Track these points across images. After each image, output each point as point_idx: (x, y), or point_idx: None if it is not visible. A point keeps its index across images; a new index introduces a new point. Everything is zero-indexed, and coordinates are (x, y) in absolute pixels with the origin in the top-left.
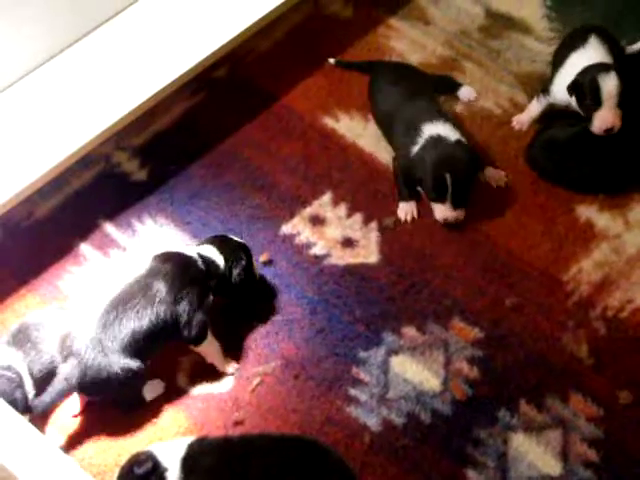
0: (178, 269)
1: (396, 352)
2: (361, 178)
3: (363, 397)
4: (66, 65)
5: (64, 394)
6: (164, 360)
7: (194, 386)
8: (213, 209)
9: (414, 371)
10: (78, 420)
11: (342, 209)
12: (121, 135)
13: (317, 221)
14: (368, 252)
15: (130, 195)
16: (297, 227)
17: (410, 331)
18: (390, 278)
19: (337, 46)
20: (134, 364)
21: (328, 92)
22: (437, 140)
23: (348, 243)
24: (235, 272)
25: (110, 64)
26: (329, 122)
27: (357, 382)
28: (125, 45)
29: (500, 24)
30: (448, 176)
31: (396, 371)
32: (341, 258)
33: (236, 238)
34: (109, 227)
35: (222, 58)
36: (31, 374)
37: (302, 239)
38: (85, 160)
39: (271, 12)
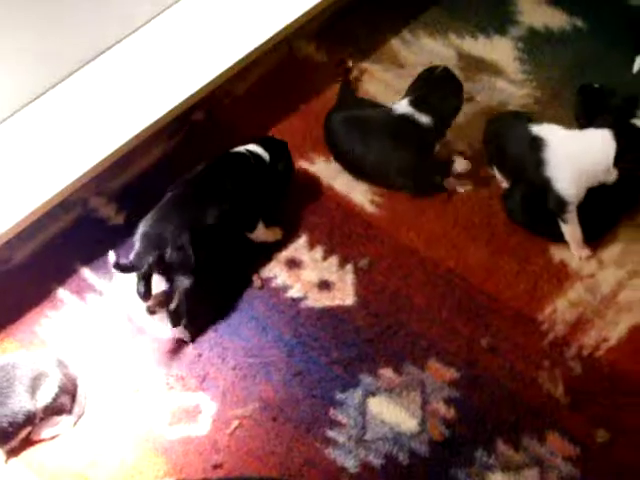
0: (237, 165)
1: (373, 393)
2: (336, 221)
3: (341, 439)
4: (43, 110)
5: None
6: (141, 403)
7: (172, 430)
8: None
9: (391, 412)
10: (54, 461)
11: (318, 252)
12: (99, 179)
13: (293, 264)
14: (344, 294)
15: (107, 239)
16: (274, 270)
17: (387, 372)
18: (366, 320)
19: (312, 89)
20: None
21: (303, 135)
22: None
23: (324, 286)
24: (280, 165)
25: (88, 108)
26: (304, 165)
27: (335, 424)
28: (102, 89)
29: (473, 67)
30: None
31: (374, 412)
32: (318, 300)
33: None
34: (86, 272)
35: (199, 101)
36: None
37: (279, 282)
38: (63, 205)
39: (247, 56)
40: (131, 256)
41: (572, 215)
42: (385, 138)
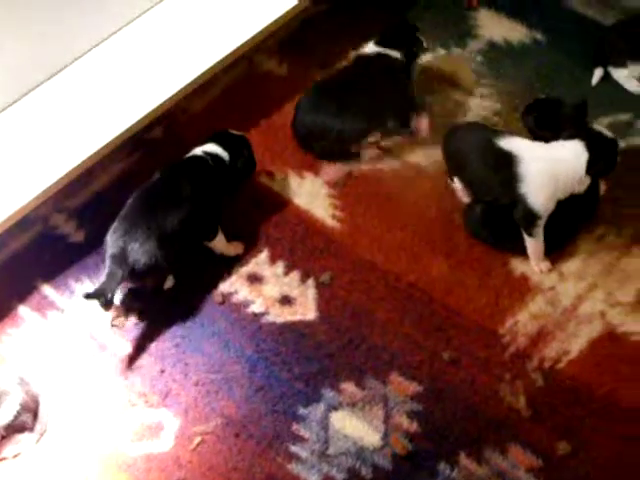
0: (196, 170)
1: (335, 408)
2: (297, 235)
3: (304, 454)
4: (1, 127)
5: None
6: (104, 420)
7: (135, 446)
8: None
9: (354, 426)
10: (16, 479)
11: (279, 267)
12: (59, 197)
13: (255, 279)
14: (306, 309)
15: (68, 256)
16: (235, 285)
17: (349, 387)
18: (328, 334)
19: (272, 104)
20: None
21: (263, 150)
22: None
23: (286, 300)
24: (240, 162)
25: (46, 125)
26: (265, 180)
27: (297, 439)
28: (60, 106)
29: (432, 80)
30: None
31: (336, 427)
32: (279, 315)
33: (234, 132)
34: (47, 289)
35: (157, 118)
36: None
37: (240, 297)
38: (23, 222)
39: (206, 71)
40: (102, 277)
41: (540, 229)
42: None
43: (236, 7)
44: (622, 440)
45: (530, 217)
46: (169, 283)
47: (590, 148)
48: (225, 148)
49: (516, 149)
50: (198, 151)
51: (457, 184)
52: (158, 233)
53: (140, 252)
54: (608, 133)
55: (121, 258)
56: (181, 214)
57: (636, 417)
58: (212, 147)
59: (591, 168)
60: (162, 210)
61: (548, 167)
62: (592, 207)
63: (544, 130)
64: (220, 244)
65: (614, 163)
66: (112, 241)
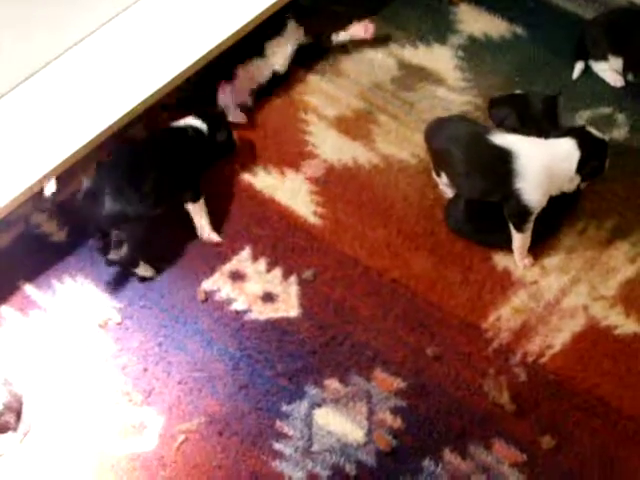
0: (175, 140)
1: (319, 405)
2: (279, 232)
3: (288, 451)
4: None
5: None
6: (87, 419)
7: (119, 445)
8: None
9: (338, 423)
10: None
11: (262, 264)
12: (39, 196)
13: (237, 277)
14: (289, 306)
15: (50, 255)
16: (217, 283)
17: (332, 383)
18: (311, 331)
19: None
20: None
21: (244, 147)
22: None
23: (268, 298)
24: (219, 135)
25: (27, 124)
26: (246, 177)
27: (281, 436)
28: (40, 105)
29: (413, 76)
30: None
31: (320, 424)
32: (262, 313)
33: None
34: (29, 288)
35: (138, 116)
36: None
37: (222, 295)
38: (4, 221)
39: (187, 69)
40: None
41: (530, 225)
42: None
43: (217, 4)
44: (605, 434)
45: (523, 213)
46: (147, 272)
47: (581, 147)
48: (204, 121)
49: (511, 145)
50: (180, 123)
51: (443, 179)
52: (132, 187)
53: (110, 200)
54: (599, 134)
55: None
56: (156, 174)
57: (618, 410)
58: (192, 120)
59: (582, 167)
60: (139, 168)
61: (544, 163)
62: (573, 201)
63: (519, 126)
64: (200, 211)
65: (603, 165)
66: (87, 182)
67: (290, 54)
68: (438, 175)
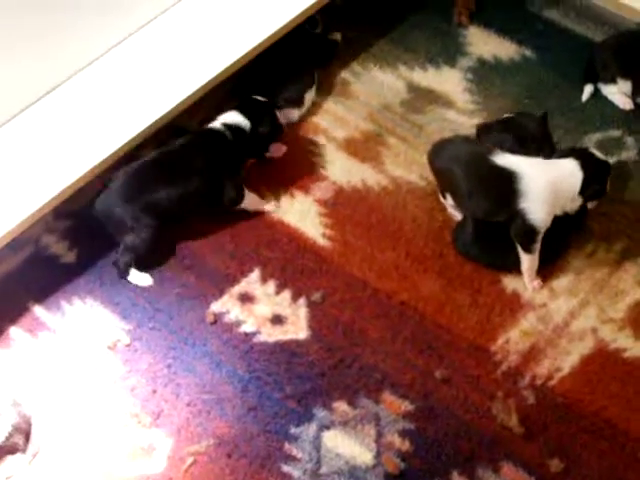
0: (210, 145)
1: (328, 427)
2: (288, 254)
3: (296, 473)
4: None
5: None
6: (96, 441)
7: (128, 467)
8: (142, 289)
9: (346, 446)
10: None
11: (271, 286)
12: (50, 218)
13: (246, 299)
14: (297, 328)
15: (59, 277)
16: (226, 305)
17: (341, 406)
18: (320, 353)
19: None
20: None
21: (254, 171)
22: None
23: (277, 320)
24: (262, 128)
25: (35, 147)
26: None
27: (290, 458)
28: (50, 127)
29: (422, 98)
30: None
31: (328, 446)
32: (271, 335)
33: (259, 97)
34: (38, 310)
35: (148, 138)
36: None
37: (232, 317)
38: (14, 243)
39: (197, 91)
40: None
41: (538, 245)
42: None
43: (221, 30)
44: (613, 457)
45: (529, 233)
46: (144, 281)
47: (585, 168)
48: (247, 116)
49: (515, 165)
50: (217, 124)
51: (449, 201)
52: (145, 202)
53: (121, 210)
54: (602, 156)
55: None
56: (179, 190)
57: (626, 433)
58: (233, 116)
59: (585, 188)
60: (161, 182)
61: (548, 183)
62: (580, 221)
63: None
64: (252, 203)
65: (605, 187)
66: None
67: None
68: (444, 197)
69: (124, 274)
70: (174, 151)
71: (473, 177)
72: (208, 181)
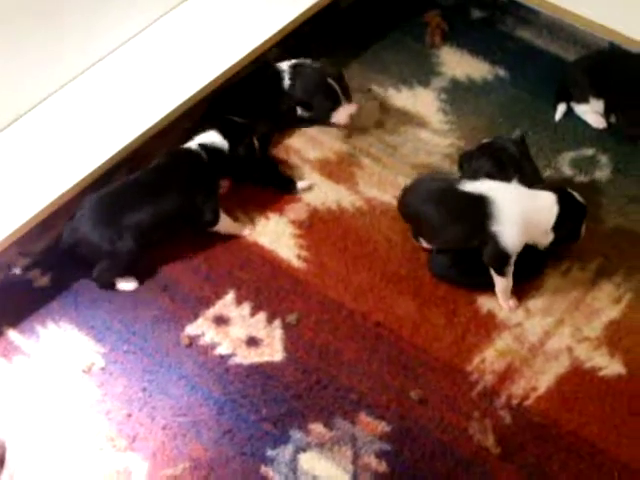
0: (184, 166)
1: (304, 449)
2: (263, 276)
3: None
4: None
5: None
6: (72, 465)
7: None
8: (117, 312)
9: (323, 467)
10: None
11: (246, 308)
12: (23, 241)
13: (221, 321)
14: (273, 350)
15: (33, 301)
16: (201, 327)
17: (317, 427)
18: (295, 375)
19: None
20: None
21: (229, 191)
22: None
23: (253, 342)
24: (240, 150)
25: (11, 170)
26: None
27: None
28: (25, 150)
29: (396, 118)
30: (330, 79)
31: (305, 468)
32: (246, 357)
33: (236, 118)
34: (13, 334)
35: (121, 162)
36: None
37: (207, 339)
38: None
39: (168, 114)
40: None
41: (511, 268)
42: None
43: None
44: (591, 476)
45: (501, 257)
46: (131, 285)
47: (562, 204)
48: (225, 136)
49: (485, 190)
50: (192, 144)
51: (423, 243)
52: (119, 222)
53: (95, 233)
54: (580, 198)
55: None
56: (154, 211)
57: (603, 452)
58: (211, 136)
59: (558, 225)
60: (136, 202)
61: (522, 209)
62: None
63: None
64: (225, 226)
65: (579, 230)
66: (83, 205)
67: None
68: (417, 240)
69: (109, 287)
70: (149, 172)
71: (444, 209)
72: (184, 201)
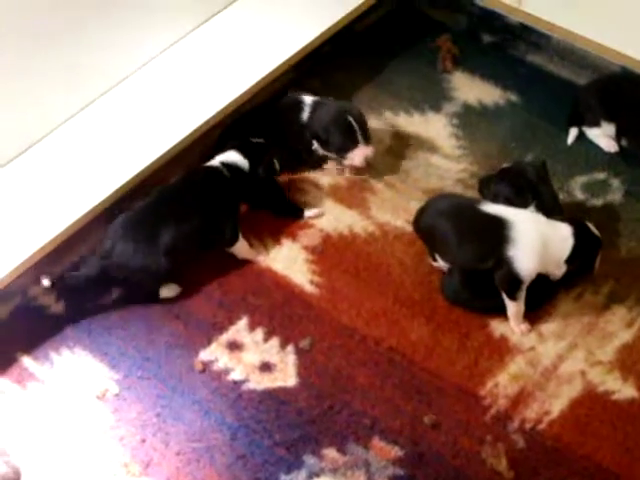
0: (206, 182)
1: (317, 474)
2: (276, 301)
3: None
4: None
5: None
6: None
7: None
8: (131, 338)
9: None
10: None
11: (259, 334)
12: (38, 268)
13: (234, 347)
14: (286, 375)
15: (47, 328)
16: (215, 353)
17: (331, 453)
18: (309, 400)
19: None
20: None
21: (242, 217)
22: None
23: (266, 367)
24: (260, 170)
25: (24, 198)
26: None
27: None
28: (36, 177)
29: (408, 144)
30: (351, 118)
31: None
32: (259, 383)
33: (256, 140)
34: (27, 360)
35: (134, 189)
36: None
37: (220, 365)
38: (2, 294)
39: (184, 139)
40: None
41: (523, 293)
42: None
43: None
44: None
45: (514, 281)
46: (170, 292)
47: (577, 237)
48: (246, 156)
49: (506, 213)
50: (215, 162)
51: (440, 262)
52: (153, 241)
53: (127, 254)
54: (596, 231)
55: (108, 253)
56: (184, 228)
57: (617, 476)
58: (232, 156)
59: (573, 257)
60: (165, 220)
61: (540, 237)
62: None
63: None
64: (242, 249)
65: (593, 264)
66: (109, 233)
67: None
68: (434, 259)
69: (155, 299)
70: (172, 189)
71: (461, 226)
72: (207, 218)
